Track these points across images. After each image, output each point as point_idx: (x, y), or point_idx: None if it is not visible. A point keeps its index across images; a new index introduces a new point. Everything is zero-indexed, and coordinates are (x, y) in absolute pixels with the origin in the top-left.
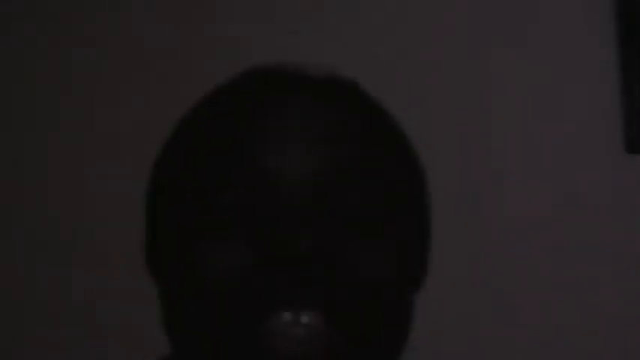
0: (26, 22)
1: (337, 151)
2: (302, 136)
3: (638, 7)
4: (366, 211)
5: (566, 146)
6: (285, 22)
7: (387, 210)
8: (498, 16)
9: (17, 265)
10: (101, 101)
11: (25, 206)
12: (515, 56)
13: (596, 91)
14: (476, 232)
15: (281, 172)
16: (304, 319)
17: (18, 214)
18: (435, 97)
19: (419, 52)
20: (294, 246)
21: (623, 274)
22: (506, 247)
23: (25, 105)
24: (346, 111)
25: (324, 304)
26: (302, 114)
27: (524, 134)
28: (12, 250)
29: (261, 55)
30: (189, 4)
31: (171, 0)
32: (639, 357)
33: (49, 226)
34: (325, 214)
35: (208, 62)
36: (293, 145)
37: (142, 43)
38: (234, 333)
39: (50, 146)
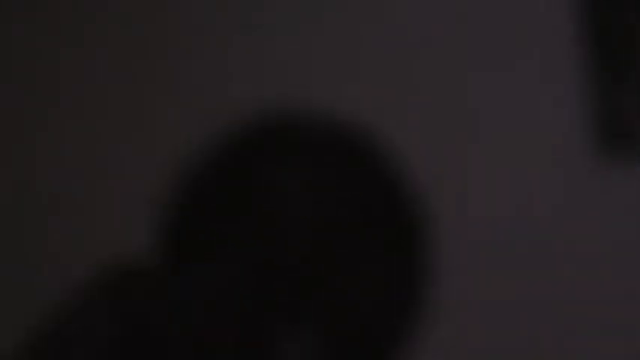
0: (26, 22)
1: (333, 196)
2: (305, 185)
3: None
4: (359, 242)
5: (536, 148)
6: (286, 24)
7: (378, 244)
8: (463, 15)
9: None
10: (101, 101)
11: (24, 206)
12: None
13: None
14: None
15: (286, 214)
16: (301, 331)
17: (18, 213)
18: (403, 98)
19: (389, 57)
20: (293, 266)
21: (595, 278)
22: (470, 249)
23: (23, 105)
24: (340, 164)
25: (319, 319)
26: (303, 166)
27: (494, 136)
28: (11, 250)
29: (262, 56)
30: (190, 5)
31: (171, 1)
32: None
33: (48, 226)
34: (323, 242)
35: (208, 62)
36: (299, 192)
37: (142, 44)
38: (238, 342)
39: (49, 146)
